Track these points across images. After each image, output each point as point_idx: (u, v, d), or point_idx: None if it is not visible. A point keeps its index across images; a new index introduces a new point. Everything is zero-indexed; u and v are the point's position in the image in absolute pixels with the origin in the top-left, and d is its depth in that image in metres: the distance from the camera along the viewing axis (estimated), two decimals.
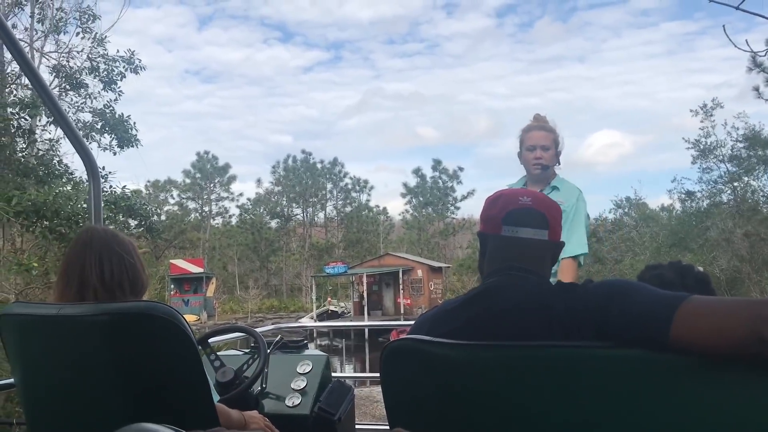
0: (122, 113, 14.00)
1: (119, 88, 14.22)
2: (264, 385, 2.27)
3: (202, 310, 38.36)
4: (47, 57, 14.66)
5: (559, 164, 3.01)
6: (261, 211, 58.58)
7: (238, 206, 59.00)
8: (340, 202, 60.94)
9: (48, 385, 1.63)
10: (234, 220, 58.96)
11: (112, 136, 13.97)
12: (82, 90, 14.07)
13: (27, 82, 11.71)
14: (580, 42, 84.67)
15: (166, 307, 1.51)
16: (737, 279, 28.05)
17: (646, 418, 0.99)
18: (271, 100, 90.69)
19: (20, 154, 11.88)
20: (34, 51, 14.39)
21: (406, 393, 1.26)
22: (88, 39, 14.09)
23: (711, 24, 72.88)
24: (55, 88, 13.75)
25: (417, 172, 58.59)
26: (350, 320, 35.75)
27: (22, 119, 11.50)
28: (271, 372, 2.29)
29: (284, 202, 59.33)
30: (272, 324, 3.74)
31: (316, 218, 60.62)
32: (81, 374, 1.55)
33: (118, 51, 14.17)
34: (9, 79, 12.62)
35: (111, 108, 14.06)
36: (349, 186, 60.78)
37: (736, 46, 3.86)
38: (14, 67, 12.81)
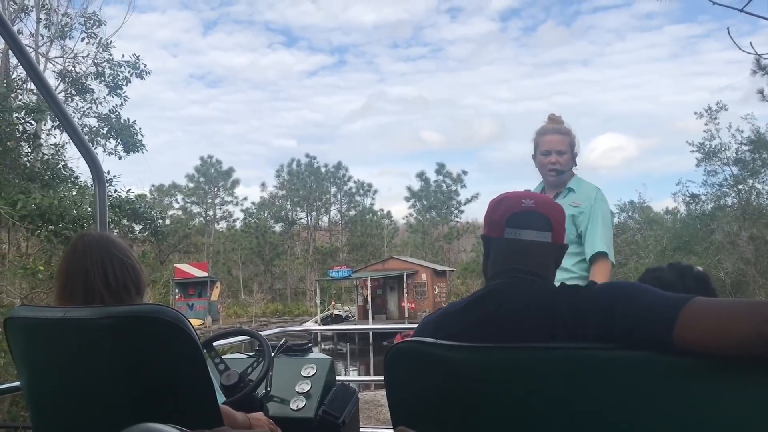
0: (127, 118, 14.15)
1: (124, 93, 14.37)
2: (268, 388, 2.27)
3: (206, 314, 38.35)
4: (53, 62, 14.77)
5: (576, 165, 2.93)
6: (265, 215, 58.68)
7: (242, 210, 59.26)
8: (345, 206, 61.12)
9: (54, 388, 1.64)
10: (238, 225, 59.16)
11: (118, 140, 14.07)
12: (88, 95, 14.19)
13: (33, 87, 11.78)
14: (584, 45, 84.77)
15: (172, 310, 1.52)
16: (742, 282, 27.95)
17: (650, 419, 0.99)
18: (276, 105, 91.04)
19: (26, 159, 11.96)
20: (40, 56, 14.50)
21: (409, 394, 1.26)
22: (94, 44, 14.23)
23: (715, 27, 72.75)
24: (60, 93, 13.86)
25: (421, 175, 58.81)
26: (354, 324, 35.65)
27: (28, 124, 11.56)
28: (276, 375, 2.30)
29: (288, 206, 59.45)
30: (277, 328, 3.74)
31: (320, 222, 60.81)
32: (87, 377, 1.55)
33: (123, 56, 14.33)
34: (15, 84, 12.69)
35: (116, 113, 14.18)
36: (353, 190, 60.96)
37: (740, 49, 3.86)
38: (20, 72, 12.91)
